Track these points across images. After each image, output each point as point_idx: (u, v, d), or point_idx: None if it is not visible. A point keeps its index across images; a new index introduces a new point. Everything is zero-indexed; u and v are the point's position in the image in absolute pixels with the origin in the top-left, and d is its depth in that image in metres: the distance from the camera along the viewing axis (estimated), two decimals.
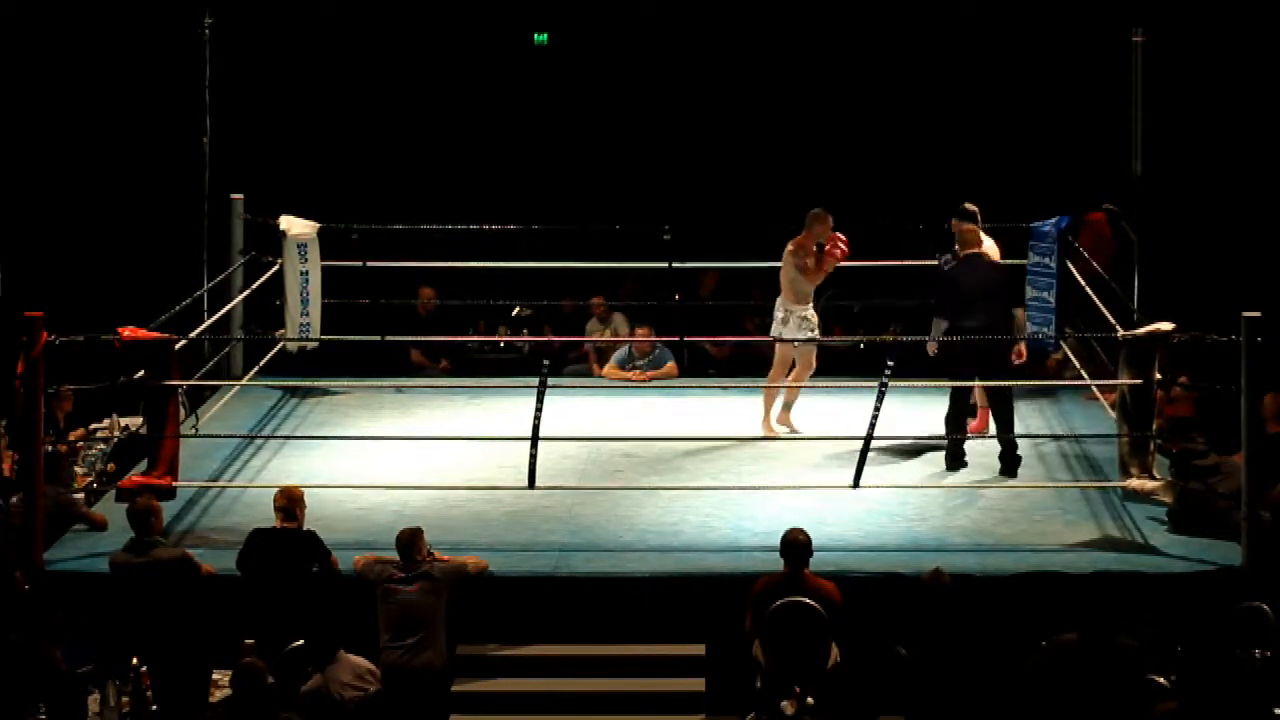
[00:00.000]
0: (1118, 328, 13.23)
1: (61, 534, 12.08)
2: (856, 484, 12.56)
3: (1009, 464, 13.32)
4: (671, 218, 16.06)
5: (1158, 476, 12.44)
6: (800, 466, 13.39)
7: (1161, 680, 10.02)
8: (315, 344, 15.35)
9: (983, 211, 13.95)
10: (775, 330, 14.04)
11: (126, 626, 10.91)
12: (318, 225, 15.56)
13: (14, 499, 11.87)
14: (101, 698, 10.19)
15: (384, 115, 18.98)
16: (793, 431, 14.22)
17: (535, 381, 12.52)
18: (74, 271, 17.73)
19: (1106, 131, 16.40)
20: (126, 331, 12.36)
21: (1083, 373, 14.80)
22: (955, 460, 13.51)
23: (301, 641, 10.54)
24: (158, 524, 11.37)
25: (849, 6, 18.90)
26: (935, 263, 13.94)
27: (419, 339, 16.51)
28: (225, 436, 13.97)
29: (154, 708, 10.26)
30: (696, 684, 11.15)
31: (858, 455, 12.54)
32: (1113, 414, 13.29)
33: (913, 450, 13.77)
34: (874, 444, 12.64)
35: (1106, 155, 16.27)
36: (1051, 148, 18.36)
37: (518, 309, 17.42)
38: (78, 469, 13.27)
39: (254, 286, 15.38)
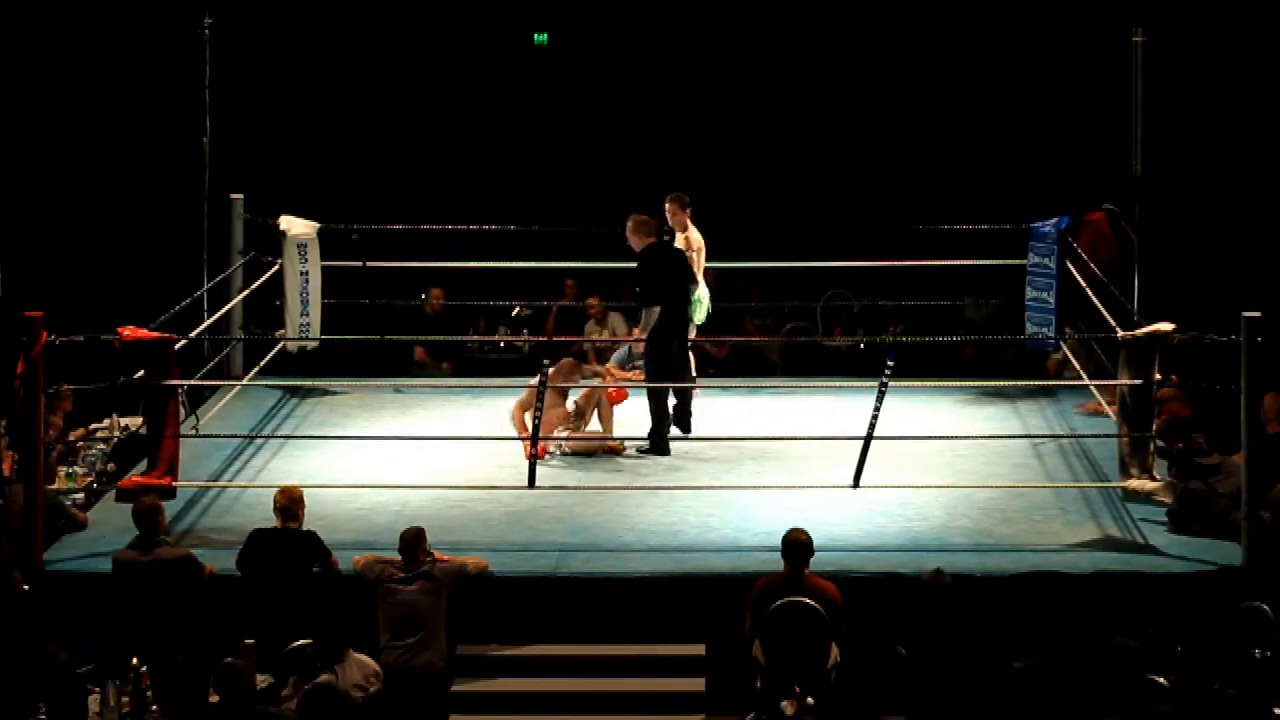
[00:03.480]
0: (1117, 328, 13.23)
1: (53, 533, 12.07)
2: (856, 484, 12.56)
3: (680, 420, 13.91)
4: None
5: (1158, 476, 12.43)
6: (800, 466, 13.38)
7: (1161, 680, 10.03)
8: (315, 344, 15.35)
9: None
10: None
11: (128, 624, 10.92)
12: (318, 225, 15.56)
13: (9, 488, 11.87)
14: (101, 698, 10.19)
15: (384, 115, 18.99)
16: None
17: (535, 381, 12.52)
18: (74, 271, 17.73)
19: (1106, 131, 16.40)
20: (126, 331, 12.35)
21: (1082, 373, 14.80)
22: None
23: (302, 641, 10.53)
24: (163, 523, 11.43)
25: (849, 7, 18.91)
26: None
27: (419, 338, 16.51)
28: (225, 436, 13.97)
29: (154, 708, 10.26)
30: (696, 684, 11.14)
31: (858, 455, 12.54)
32: (1113, 414, 13.29)
33: (912, 450, 13.74)
34: (874, 444, 12.62)
35: (1106, 155, 16.27)
36: (1051, 148, 18.37)
37: (518, 309, 17.42)
38: (77, 469, 13.27)
39: (254, 286, 15.38)
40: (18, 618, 10.62)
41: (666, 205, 14.33)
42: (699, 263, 14.27)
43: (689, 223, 14.30)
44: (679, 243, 14.22)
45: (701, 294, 14.26)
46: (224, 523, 12.46)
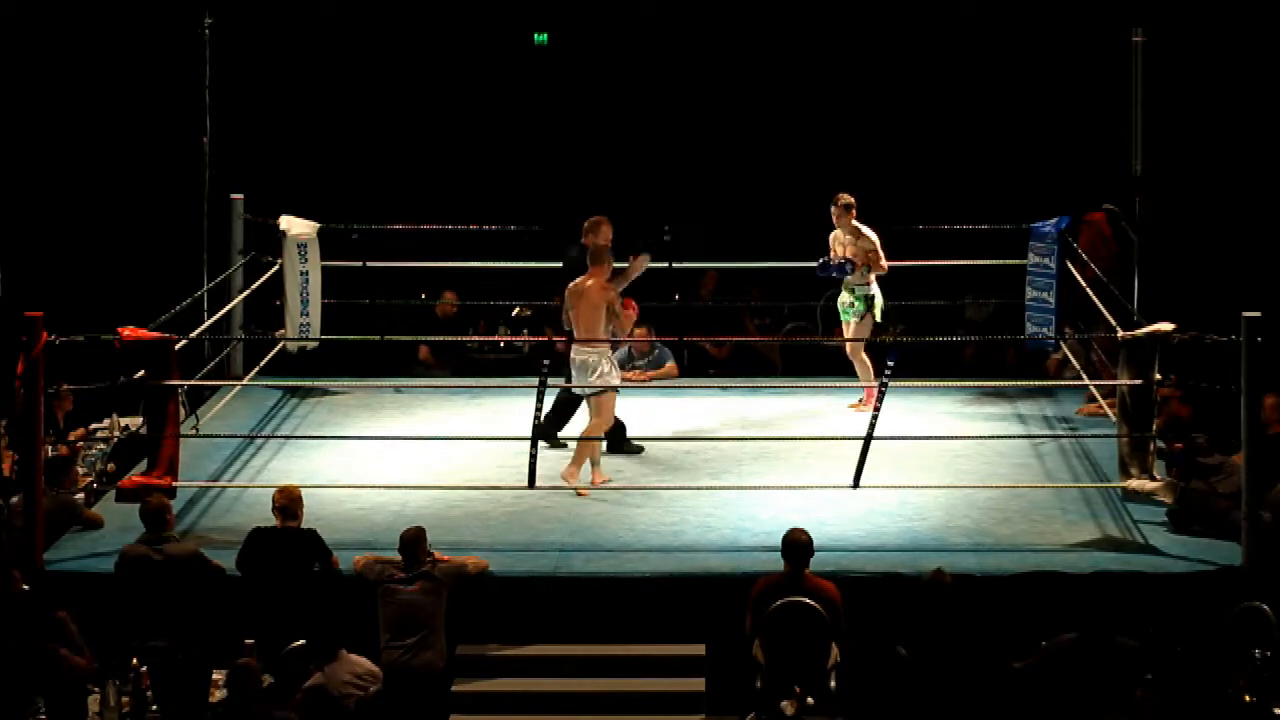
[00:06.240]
0: (1118, 328, 13.23)
1: (61, 535, 12.08)
2: (856, 484, 12.55)
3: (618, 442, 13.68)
4: (671, 218, 16.06)
5: (1158, 476, 12.43)
6: (800, 466, 13.38)
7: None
8: (315, 344, 15.36)
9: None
10: (601, 380, 12.88)
11: (136, 618, 10.93)
12: (318, 225, 15.57)
13: (14, 499, 11.89)
14: (101, 698, 10.19)
15: (384, 115, 18.99)
16: (578, 493, 12.98)
17: (535, 381, 12.52)
18: (74, 271, 17.73)
19: (1106, 131, 16.40)
20: (126, 331, 12.35)
21: (1082, 373, 14.80)
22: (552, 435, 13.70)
23: (302, 641, 10.54)
24: (171, 521, 11.52)
25: (849, 7, 18.90)
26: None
27: (418, 338, 16.51)
28: (225, 436, 13.98)
29: (154, 708, 10.26)
30: (696, 684, 11.15)
31: (858, 455, 12.53)
32: (1113, 414, 13.29)
33: (912, 450, 13.74)
34: (874, 444, 12.62)
35: (1106, 155, 16.27)
36: (1051, 148, 18.36)
37: (518, 309, 17.41)
38: (78, 469, 13.27)
39: (254, 286, 15.39)
40: (18, 618, 10.62)
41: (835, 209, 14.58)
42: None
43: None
44: (848, 244, 14.48)
45: (873, 290, 14.58)
46: (224, 523, 12.46)
